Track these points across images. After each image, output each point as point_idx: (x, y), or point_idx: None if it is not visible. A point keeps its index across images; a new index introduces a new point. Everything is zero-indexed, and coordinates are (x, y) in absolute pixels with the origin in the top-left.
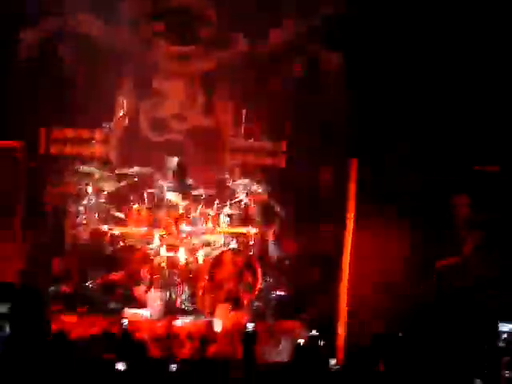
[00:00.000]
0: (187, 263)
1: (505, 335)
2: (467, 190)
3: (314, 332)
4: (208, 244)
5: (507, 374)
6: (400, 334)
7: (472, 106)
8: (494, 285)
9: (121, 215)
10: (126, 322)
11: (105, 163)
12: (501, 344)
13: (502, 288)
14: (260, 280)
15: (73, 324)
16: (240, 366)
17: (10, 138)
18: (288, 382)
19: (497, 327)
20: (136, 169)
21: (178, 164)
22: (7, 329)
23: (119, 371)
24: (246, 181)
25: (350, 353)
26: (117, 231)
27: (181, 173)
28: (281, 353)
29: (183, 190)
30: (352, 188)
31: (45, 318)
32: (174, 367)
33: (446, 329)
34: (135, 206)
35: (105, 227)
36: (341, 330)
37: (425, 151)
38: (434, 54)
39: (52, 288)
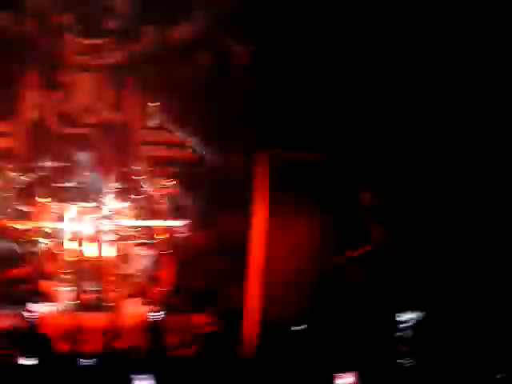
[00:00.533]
0: (96, 257)
1: (403, 325)
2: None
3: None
4: (118, 238)
5: (405, 362)
6: (304, 326)
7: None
8: (395, 276)
9: (27, 209)
10: (30, 316)
11: (13, 156)
12: (399, 333)
13: (403, 279)
14: (170, 273)
15: None
16: (146, 357)
17: None
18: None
19: (395, 317)
20: (44, 162)
21: (87, 159)
22: None
23: (24, 366)
24: (155, 174)
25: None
26: (22, 226)
27: (90, 167)
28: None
29: (93, 184)
30: (261, 179)
31: None
32: (81, 362)
33: (347, 318)
34: (42, 200)
35: (11, 221)
36: (249, 321)
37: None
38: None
39: None
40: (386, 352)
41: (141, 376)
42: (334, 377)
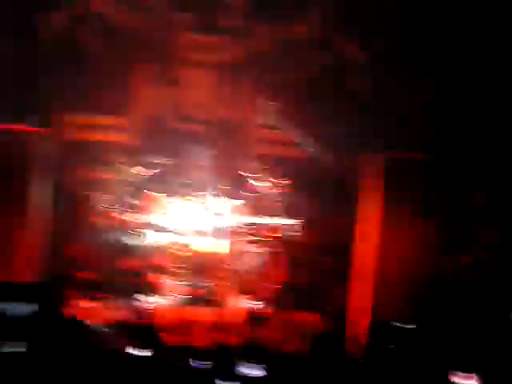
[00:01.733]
0: (207, 252)
1: None
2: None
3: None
4: (230, 234)
5: None
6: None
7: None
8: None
9: (140, 203)
10: (141, 308)
11: (128, 150)
12: None
13: None
14: (279, 271)
15: (89, 310)
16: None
17: (34, 124)
18: (306, 371)
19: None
20: (159, 158)
21: (201, 155)
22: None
23: (135, 357)
24: (270, 172)
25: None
26: (135, 219)
27: (204, 164)
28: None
29: (206, 180)
30: (374, 181)
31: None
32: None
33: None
34: (155, 195)
35: (125, 215)
36: (357, 320)
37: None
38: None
39: (68, 274)
40: (504, 352)
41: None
42: (450, 377)
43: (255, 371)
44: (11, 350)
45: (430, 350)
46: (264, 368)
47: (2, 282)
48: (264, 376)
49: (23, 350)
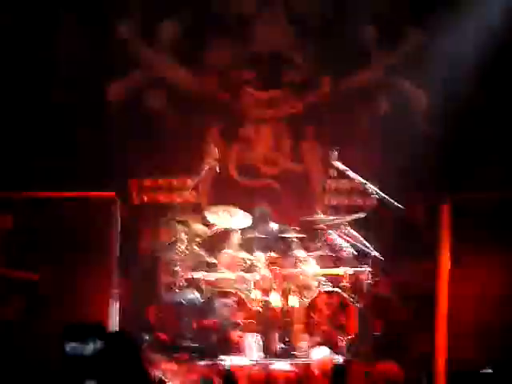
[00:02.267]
0: (282, 307)
1: None
2: None
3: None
4: (302, 287)
5: None
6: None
7: None
8: None
9: (213, 260)
10: (226, 369)
11: (196, 209)
12: None
13: None
14: (355, 321)
15: (172, 372)
16: None
17: (101, 189)
18: None
19: None
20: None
21: (269, 209)
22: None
23: None
24: (338, 222)
25: None
26: (210, 277)
27: (265, 219)
28: None
29: (276, 234)
30: (446, 229)
31: (143, 367)
32: None
33: None
34: (228, 251)
35: (198, 274)
36: (440, 368)
37: None
38: None
39: (148, 337)
40: None
41: None
42: None
43: None
44: None
45: None
46: None
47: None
48: None
49: None
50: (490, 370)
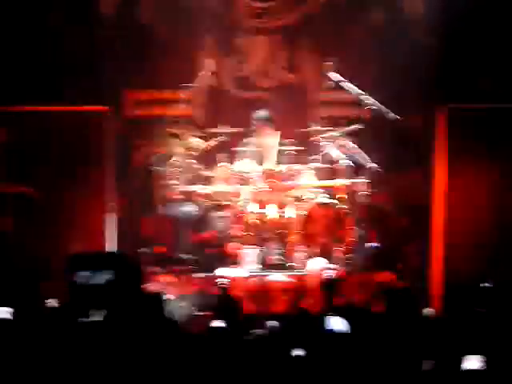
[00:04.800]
0: (278, 219)
1: None
2: None
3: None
4: (298, 199)
5: None
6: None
7: None
8: None
9: (209, 174)
10: (224, 280)
11: (191, 123)
12: None
13: None
14: (351, 233)
15: (169, 284)
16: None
17: (95, 103)
18: (382, 330)
19: None
20: (223, 128)
21: (265, 116)
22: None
23: (216, 328)
24: (334, 133)
25: (447, 301)
26: (206, 190)
27: (268, 129)
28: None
29: (271, 147)
30: (441, 137)
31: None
32: (270, 323)
33: None
34: (223, 164)
35: (194, 187)
36: (437, 277)
37: None
38: None
39: (144, 249)
40: None
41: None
42: None
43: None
44: (89, 319)
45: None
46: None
47: (81, 253)
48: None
49: (101, 319)
50: (489, 284)
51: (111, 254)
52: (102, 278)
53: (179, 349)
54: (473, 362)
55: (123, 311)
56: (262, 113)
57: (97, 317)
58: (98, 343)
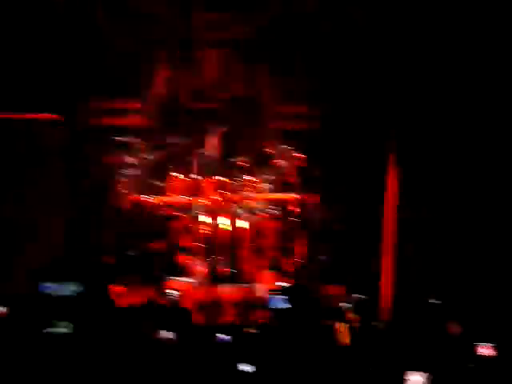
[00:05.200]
0: (229, 231)
1: None
2: None
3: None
4: (250, 211)
5: None
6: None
7: None
8: None
9: (161, 184)
10: (173, 292)
11: (144, 133)
12: None
13: None
14: (303, 246)
15: (119, 294)
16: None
17: (49, 111)
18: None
19: None
20: (176, 138)
21: (217, 133)
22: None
23: (164, 340)
24: (285, 147)
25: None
26: (157, 200)
27: (220, 142)
28: None
29: (223, 158)
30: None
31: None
32: (219, 335)
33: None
34: (175, 175)
35: (145, 197)
36: (386, 290)
37: None
38: None
39: (93, 259)
40: None
41: None
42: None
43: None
44: (57, 330)
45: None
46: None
47: (47, 264)
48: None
49: (68, 330)
50: (437, 301)
51: (76, 265)
52: (68, 289)
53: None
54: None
55: (91, 322)
56: (214, 125)
57: (63, 328)
58: (65, 353)
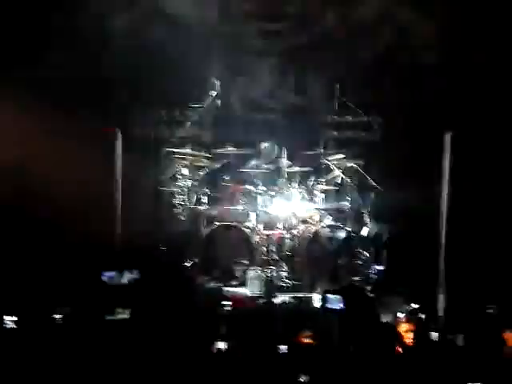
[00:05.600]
0: (285, 241)
1: None
2: None
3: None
4: (304, 221)
5: None
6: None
7: None
8: None
9: (216, 195)
10: (225, 300)
11: (199, 144)
12: None
13: None
14: (357, 255)
15: None
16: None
17: (103, 124)
18: None
19: None
20: (230, 149)
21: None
22: None
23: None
24: (341, 156)
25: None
26: (213, 211)
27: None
28: None
29: (278, 169)
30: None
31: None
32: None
33: None
34: (230, 186)
35: (200, 208)
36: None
37: None
38: None
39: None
40: None
41: None
42: None
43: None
44: (115, 317)
45: None
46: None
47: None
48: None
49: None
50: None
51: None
52: (127, 277)
53: None
54: None
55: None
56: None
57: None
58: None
